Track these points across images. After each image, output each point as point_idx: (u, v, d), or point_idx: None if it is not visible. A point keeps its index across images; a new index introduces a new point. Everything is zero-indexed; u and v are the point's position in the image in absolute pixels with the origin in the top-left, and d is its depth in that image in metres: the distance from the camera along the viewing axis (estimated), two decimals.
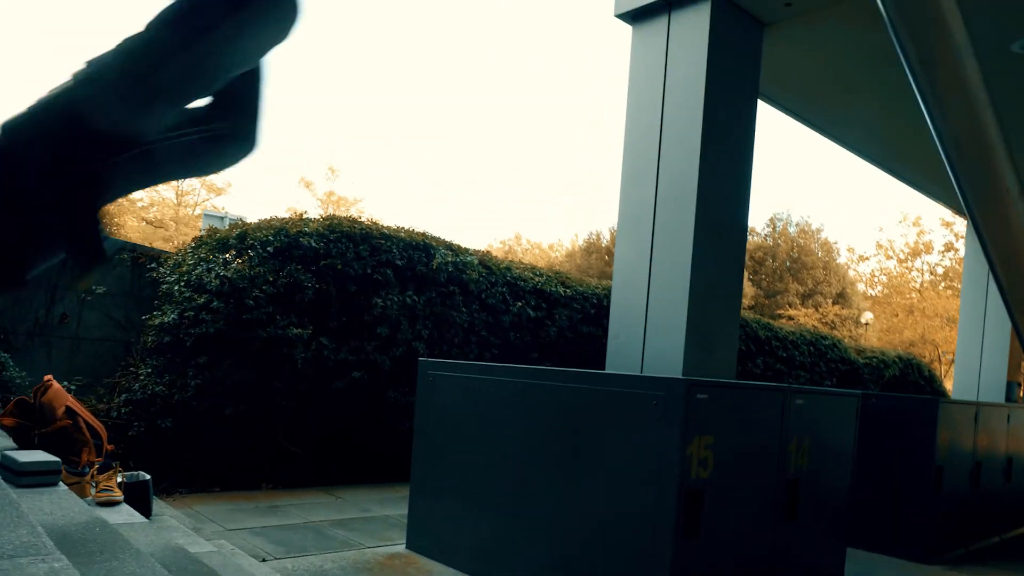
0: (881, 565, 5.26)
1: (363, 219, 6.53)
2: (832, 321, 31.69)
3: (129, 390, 5.70)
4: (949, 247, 34.65)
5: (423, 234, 6.83)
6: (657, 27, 5.60)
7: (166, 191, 36.91)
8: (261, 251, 5.74)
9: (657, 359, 5.41)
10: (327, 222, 6.18)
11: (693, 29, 5.38)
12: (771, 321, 11.22)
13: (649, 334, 5.46)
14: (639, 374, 3.41)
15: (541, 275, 7.76)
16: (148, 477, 4.18)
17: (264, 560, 4.30)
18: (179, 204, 37.51)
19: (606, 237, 35.74)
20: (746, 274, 34.91)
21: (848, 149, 8.25)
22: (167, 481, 5.71)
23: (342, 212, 40.61)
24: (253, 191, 56.32)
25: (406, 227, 6.79)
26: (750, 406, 3.52)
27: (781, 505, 3.75)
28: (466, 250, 7.14)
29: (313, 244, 5.93)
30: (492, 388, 4.05)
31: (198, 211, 37.48)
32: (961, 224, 23.63)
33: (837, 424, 4.21)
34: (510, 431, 3.94)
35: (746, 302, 32.08)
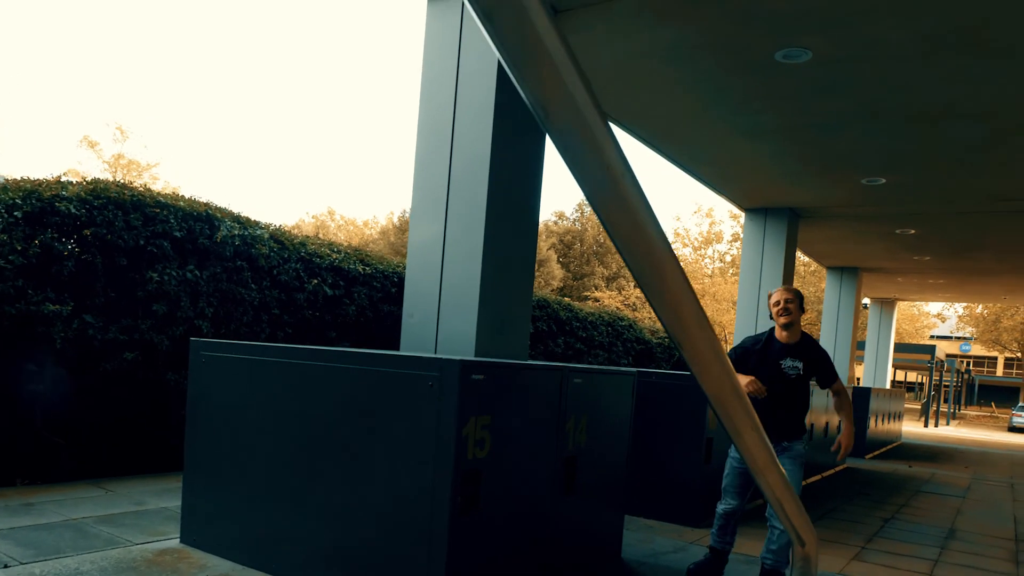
0: (657, 530, 5.60)
1: (135, 185, 5.93)
2: (634, 303, 33.71)
3: None
4: (736, 237, 37.97)
5: (206, 204, 6.32)
6: (452, 5, 5.53)
7: None
8: (7, 216, 5.04)
9: (451, 340, 5.39)
10: (91, 186, 5.53)
11: None
12: (572, 302, 11.65)
13: (443, 315, 5.43)
14: (415, 354, 3.33)
15: (339, 252, 7.49)
16: None
17: (6, 567, 3.80)
18: None
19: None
20: (555, 256, 36.35)
21: (642, 142, 8.67)
22: None
23: (133, 176, 37.19)
24: (24, 150, 50.36)
25: (187, 195, 6.26)
26: (528, 386, 3.56)
27: (559, 480, 3.85)
28: (256, 223, 6.71)
29: (73, 210, 5.30)
30: (268, 370, 3.81)
31: None
32: None
33: (615, 401, 4.38)
34: (289, 414, 3.73)
35: (555, 283, 33.32)
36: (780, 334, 4.38)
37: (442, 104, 5.53)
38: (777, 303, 4.34)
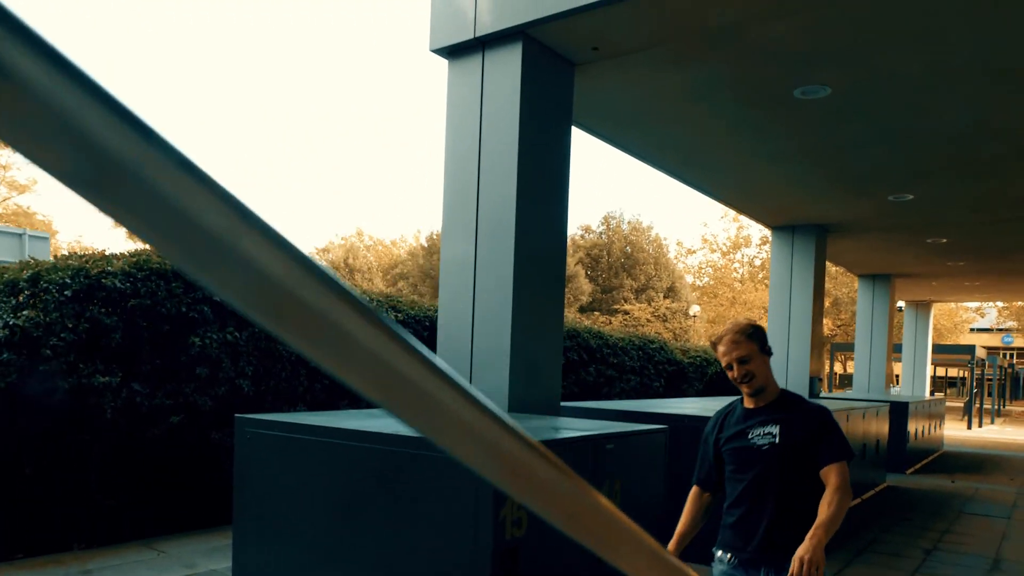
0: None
1: None
2: (664, 314, 33.56)
3: None
4: (765, 240, 37.70)
5: None
6: (472, 64, 5.67)
7: None
8: (58, 295, 5.28)
9: (483, 392, 5.51)
10: (134, 259, 5.77)
11: (506, 67, 5.49)
12: (602, 329, 11.71)
13: (475, 369, 5.55)
14: None
15: (371, 301, 7.66)
16: None
17: None
18: None
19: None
20: (583, 272, 36.39)
21: (663, 172, 8.75)
22: None
23: None
24: (64, 188, 51.77)
25: None
26: (562, 460, 3.66)
27: None
28: None
29: (119, 285, 5.53)
30: (310, 446, 3.96)
31: None
32: None
33: (648, 460, 4.47)
34: (331, 488, 3.87)
35: (584, 299, 33.31)
36: (747, 401, 2.92)
37: (466, 158, 5.65)
38: (729, 367, 2.84)
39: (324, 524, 3.89)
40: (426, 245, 36.25)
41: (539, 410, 5.52)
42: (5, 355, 5.05)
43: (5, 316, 5.09)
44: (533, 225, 5.51)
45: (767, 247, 37.60)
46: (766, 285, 35.15)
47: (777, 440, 2.78)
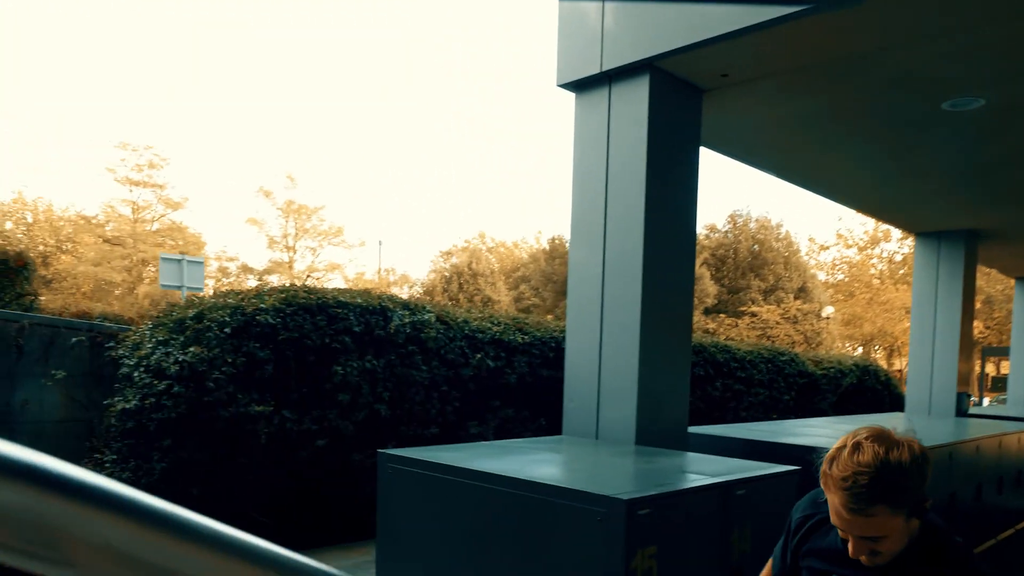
0: None
1: (320, 286, 6.62)
2: (794, 316, 32.25)
3: None
4: (907, 235, 35.48)
5: (379, 296, 6.93)
6: (599, 96, 5.74)
7: (122, 207, 36.42)
8: (219, 332, 5.79)
9: (611, 424, 5.58)
10: (283, 295, 6.24)
11: (633, 98, 5.52)
12: (728, 343, 11.47)
13: (603, 401, 5.62)
14: (583, 489, 3.54)
15: (499, 324, 7.88)
16: None
17: None
18: (136, 220, 36.92)
19: (569, 241, 35.99)
20: (708, 273, 35.49)
21: (795, 185, 8.50)
22: None
23: (303, 220, 40.17)
24: (211, 203, 55.73)
25: (363, 289, 6.90)
26: (692, 509, 3.69)
27: None
28: (423, 307, 7.24)
29: (270, 320, 6.00)
30: (444, 484, 4.17)
31: (155, 226, 37.02)
32: None
33: (778, 502, 4.40)
34: (466, 525, 4.07)
35: (709, 301, 32.52)
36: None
37: (594, 189, 5.72)
38: (843, 531, 1.74)
39: (461, 556, 4.09)
40: (548, 248, 36.49)
41: (665, 443, 5.53)
42: (176, 388, 5.60)
43: (176, 353, 5.64)
44: (660, 259, 5.49)
45: (909, 240, 35.39)
46: (908, 283, 33.05)
47: None
